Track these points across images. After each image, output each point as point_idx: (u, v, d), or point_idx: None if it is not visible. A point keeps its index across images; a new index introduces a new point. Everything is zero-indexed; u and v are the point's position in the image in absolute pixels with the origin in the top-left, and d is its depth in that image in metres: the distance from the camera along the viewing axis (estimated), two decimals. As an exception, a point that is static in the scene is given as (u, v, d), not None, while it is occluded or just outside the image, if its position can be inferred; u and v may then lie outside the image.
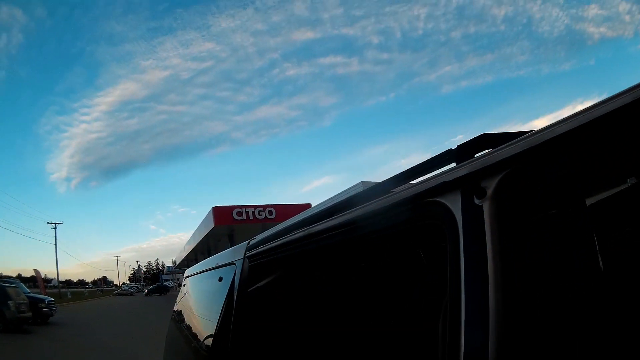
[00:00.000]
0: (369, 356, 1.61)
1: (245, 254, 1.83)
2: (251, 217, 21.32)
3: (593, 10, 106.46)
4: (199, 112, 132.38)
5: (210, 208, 21.92)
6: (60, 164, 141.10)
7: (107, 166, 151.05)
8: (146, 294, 54.08)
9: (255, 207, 21.66)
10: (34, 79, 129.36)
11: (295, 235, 1.44)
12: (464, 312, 0.69)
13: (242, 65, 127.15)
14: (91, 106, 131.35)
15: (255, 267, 1.74)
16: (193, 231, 31.52)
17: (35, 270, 37.59)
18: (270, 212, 21.54)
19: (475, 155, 0.85)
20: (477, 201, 0.74)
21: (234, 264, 1.90)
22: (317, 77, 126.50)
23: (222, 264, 2.11)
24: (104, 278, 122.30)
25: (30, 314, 15.12)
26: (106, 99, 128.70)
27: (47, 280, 65.43)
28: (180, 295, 3.23)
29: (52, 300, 18.28)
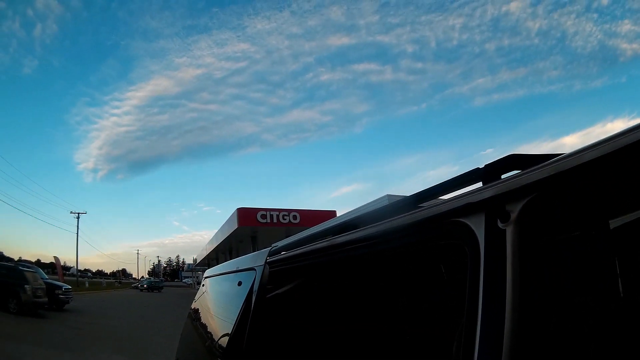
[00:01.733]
0: None
1: (266, 260, 1.85)
2: (275, 220, 21.46)
3: (626, 26, 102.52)
4: (230, 111, 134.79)
5: (235, 208, 22.27)
6: (88, 154, 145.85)
7: (135, 160, 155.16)
8: (140, 290, 52.87)
9: (280, 210, 21.80)
10: (67, 70, 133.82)
11: (318, 245, 1.44)
12: (479, 336, 0.68)
13: (275, 67, 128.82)
14: (122, 100, 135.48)
15: (275, 274, 1.76)
16: (216, 230, 32.06)
17: (55, 257, 37.18)
18: (294, 217, 21.65)
19: (502, 176, 0.83)
20: (500, 225, 0.73)
21: (255, 269, 1.93)
22: (350, 83, 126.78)
23: (243, 268, 2.14)
24: (123, 270, 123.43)
25: (46, 299, 15.37)
26: (138, 94, 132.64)
27: (66, 268, 65.84)
28: (198, 294, 3.30)
29: (69, 288, 18.58)
